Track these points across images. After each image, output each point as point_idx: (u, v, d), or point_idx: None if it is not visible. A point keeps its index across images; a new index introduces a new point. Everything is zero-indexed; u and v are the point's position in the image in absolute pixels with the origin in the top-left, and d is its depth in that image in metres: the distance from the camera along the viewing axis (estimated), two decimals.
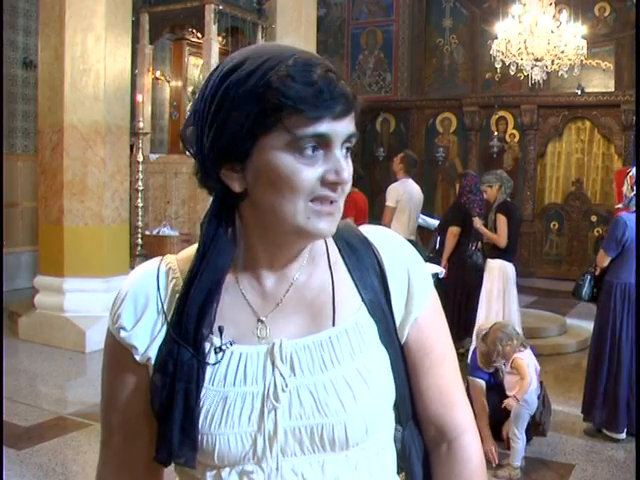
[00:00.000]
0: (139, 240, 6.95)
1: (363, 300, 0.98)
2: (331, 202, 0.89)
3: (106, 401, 1.00)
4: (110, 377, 0.98)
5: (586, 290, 4.54)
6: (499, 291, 5.43)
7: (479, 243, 5.80)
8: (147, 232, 7.16)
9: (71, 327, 5.89)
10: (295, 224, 0.88)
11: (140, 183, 6.99)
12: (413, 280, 1.00)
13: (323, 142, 0.87)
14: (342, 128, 0.88)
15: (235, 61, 0.89)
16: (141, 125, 7.06)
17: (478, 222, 5.60)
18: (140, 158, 6.98)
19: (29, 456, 3.77)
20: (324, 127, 0.86)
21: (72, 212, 6.15)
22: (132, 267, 6.46)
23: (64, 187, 6.13)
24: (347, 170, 0.89)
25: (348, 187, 0.91)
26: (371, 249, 1.01)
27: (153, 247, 6.89)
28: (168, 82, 9.24)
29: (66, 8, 6.01)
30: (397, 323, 0.99)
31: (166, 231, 7.13)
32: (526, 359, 3.78)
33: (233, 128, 0.86)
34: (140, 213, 7.00)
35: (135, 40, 7.29)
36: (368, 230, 1.04)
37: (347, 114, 0.88)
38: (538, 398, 3.82)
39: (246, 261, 0.96)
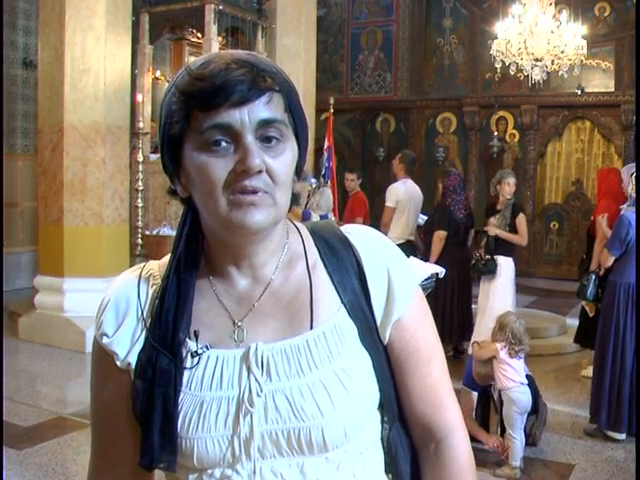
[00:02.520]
0: (139, 240, 6.93)
1: (342, 302, 0.96)
2: (256, 192, 0.86)
3: (93, 405, 1.01)
4: (96, 382, 1.00)
5: (591, 290, 4.55)
6: (511, 287, 5.51)
7: (488, 246, 5.47)
8: (147, 232, 7.15)
9: (71, 327, 5.89)
10: (220, 218, 0.88)
11: (140, 183, 6.97)
12: (394, 280, 0.98)
13: (230, 133, 0.86)
14: (248, 115, 0.86)
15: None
16: (141, 125, 7.05)
17: (494, 229, 5.41)
18: (140, 158, 6.97)
19: (29, 456, 3.77)
20: (223, 117, 0.85)
21: (72, 212, 6.15)
22: (132, 267, 6.46)
23: (64, 187, 6.13)
24: (255, 157, 0.85)
25: (280, 177, 0.88)
26: (351, 249, 0.99)
27: (153, 247, 6.88)
28: (168, 82, 9.22)
29: (66, 8, 6.01)
30: (378, 324, 0.98)
31: (166, 231, 7.12)
32: (504, 356, 3.74)
33: (164, 137, 0.91)
34: (140, 213, 6.98)
35: (135, 40, 7.29)
36: (349, 230, 1.03)
37: (251, 100, 0.85)
38: (534, 410, 3.83)
39: (215, 264, 0.97)
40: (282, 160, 0.88)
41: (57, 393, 5.00)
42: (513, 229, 5.47)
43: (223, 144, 0.86)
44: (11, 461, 3.63)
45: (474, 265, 5.53)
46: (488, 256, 5.41)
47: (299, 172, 0.94)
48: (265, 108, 0.86)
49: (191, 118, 0.87)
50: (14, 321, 6.51)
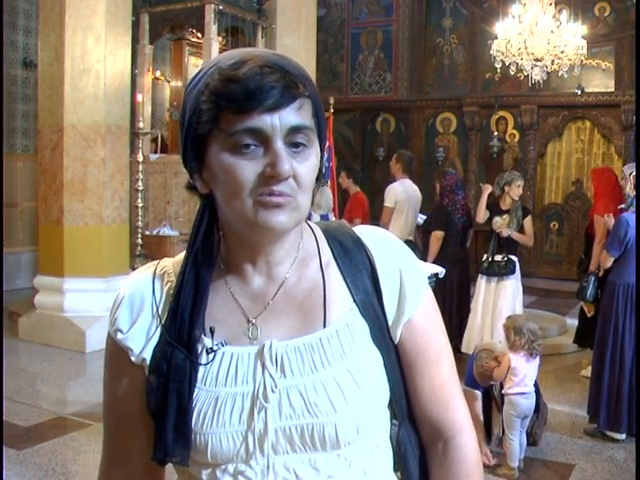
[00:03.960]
0: (139, 240, 6.94)
1: (355, 301, 0.98)
2: (281, 195, 0.88)
3: (106, 401, 1.02)
4: (109, 378, 1.01)
5: (591, 291, 4.55)
6: (520, 287, 5.53)
7: (500, 246, 5.43)
8: (147, 232, 7.16)
9: (71, 327, 5.89)
10: (245, 218, 0.89)
11: (140, 183, 6.98)
12: (405, 280, 1.00)
13: (260, 137, 0.86)
14: (279, 120, 0.86)
15: (200, 68, 0.93)
16: (141, 125, 7.05)
17: (508, 230, 5.39)
18: (140, 158, 6.97)
19: (29, 456, 3.77)
20: (255, 121, 0.85)
21: (72, 212, 6.15)
22: (132, 267, 6.47)
23: (64, 187, 6.13)
24: (286, 163, 0.86)
25: (305, 182, 0.89)
26: (364, 249, 1.01)
27: (153, 247, 6.89)
28: (168, 82, 9.24)
29: (66, 8, 6.02)
30: (389, 323, 1.00)
31: (166, 231, 7.12)
32: (518, 364, 3.74)
33: (188, 134, 0.91)
34: (140, 213, 6.99)
35: (135, 40, 7.30)
36: (362, 230, 1.05)
37: (283, 106, 0.86)
38: (535, 409, 3.83)
39: (231, 262, 0.98)
40: (307, 165, 0.90)
41: (57, 393, 5.00)
42: (520, 230, 5.49)
43: (252, 147, 0.87)
44: (11, 461, 3.63)
45: (487, 267, 5.44)
46: (505, 256, 5.38)
47: (319, 175, 0.95)
48: (295, 114, 0.87)
49: (220, 119, 0.87)
50: (14, 321, 6.51)
